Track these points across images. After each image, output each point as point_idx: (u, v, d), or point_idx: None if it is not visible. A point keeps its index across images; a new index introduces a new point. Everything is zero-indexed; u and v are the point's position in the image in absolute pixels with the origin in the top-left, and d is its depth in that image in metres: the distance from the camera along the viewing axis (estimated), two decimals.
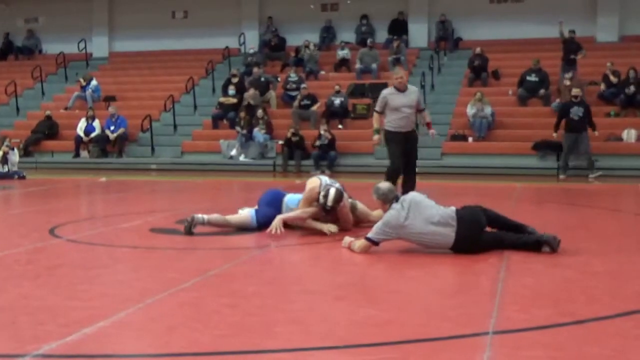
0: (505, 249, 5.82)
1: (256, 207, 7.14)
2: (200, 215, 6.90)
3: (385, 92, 9.04)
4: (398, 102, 8.78)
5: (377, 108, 9.04)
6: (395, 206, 5.85)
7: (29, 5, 25.35)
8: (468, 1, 21.82)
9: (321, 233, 6.71)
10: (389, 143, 8.94)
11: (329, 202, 6.66)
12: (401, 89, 8.87)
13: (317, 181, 6.88)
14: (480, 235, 5.89)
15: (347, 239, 6.10)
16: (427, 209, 5.83)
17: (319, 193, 6.74)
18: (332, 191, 6.69)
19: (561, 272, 5.18)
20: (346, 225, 6.94)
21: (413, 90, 9.04)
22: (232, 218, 7.04)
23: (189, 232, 6.80)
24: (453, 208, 5.92)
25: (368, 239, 5.89)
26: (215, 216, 7.00)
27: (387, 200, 5.97)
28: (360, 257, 5.97)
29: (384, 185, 6.12)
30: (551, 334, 3.71)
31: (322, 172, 14.87)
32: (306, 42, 21.37)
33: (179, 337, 3.62)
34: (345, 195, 6.91)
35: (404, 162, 8.85)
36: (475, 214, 5.95)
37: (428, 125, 9.43)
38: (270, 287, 4.83)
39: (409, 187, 8.60)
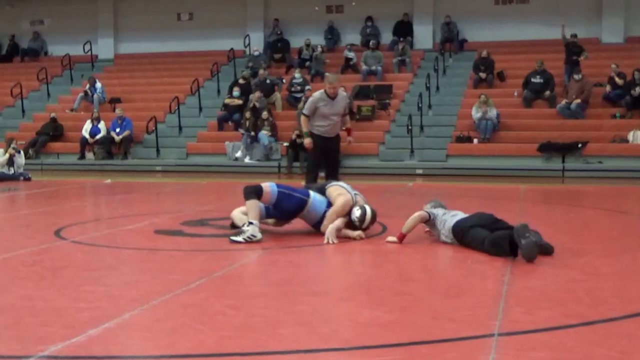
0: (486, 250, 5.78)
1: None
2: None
3: (316, 97, 9.02)
4: (327, 111, 8.89)
5: (306, 112, 9.06)
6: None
7: (34, 7, 25.44)
8: (473, 3, 21.83)
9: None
10: (313, 147, 9.12)
11: (365, 225, 6.65)
12: (332, 97, 8.92)
13: (348, 195, 6.73)
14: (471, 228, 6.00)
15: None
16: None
17: (352, 207, 6.67)
18: (369, 213, 6.63)
19: (566, 274, 5.17)
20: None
21: (342, 97, 9.12)
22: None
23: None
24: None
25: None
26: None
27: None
28: (365, 258, 5.98)
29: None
30: (557, 335, 3.69)
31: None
32: (307, 41, 21.41)
33: (183, 339, 3.62)
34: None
35: (325, 165, 9.15)
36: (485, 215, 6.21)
37: (348, 131, 9.53)
38: (274, 289, 4.83)
39: None
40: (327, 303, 4.43)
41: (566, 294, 4.59)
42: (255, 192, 6.54)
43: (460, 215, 6.31)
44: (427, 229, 6.64)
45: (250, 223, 6.41)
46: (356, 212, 6.64)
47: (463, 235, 6.03)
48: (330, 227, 6.52)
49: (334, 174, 9.19)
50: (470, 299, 4.49)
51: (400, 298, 4.52)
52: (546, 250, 5.72)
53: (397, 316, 4.06)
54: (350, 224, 6.67)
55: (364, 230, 6.68)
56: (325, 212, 6.73)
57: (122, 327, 3.83)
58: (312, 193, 6.84)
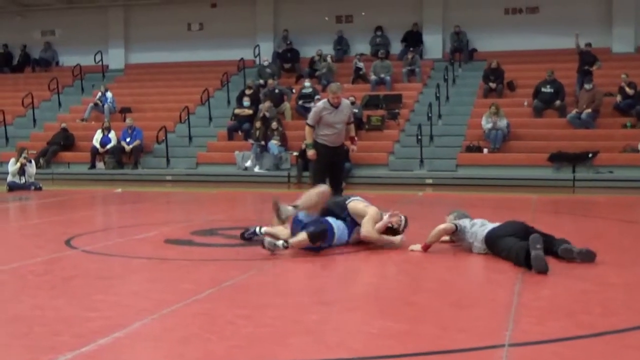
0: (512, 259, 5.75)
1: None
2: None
3: (320, 106, 9.06)
4: (332, 119, 8.91)
5: (310, 122, 9.07)
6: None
7: (45, 18, 25.62)
8: (483, 12, 21.82)
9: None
10: (316, 156, 9.08)
11: (402, 227, 6.76)
12: (336, 106, 8.95)
13: (374, 207, 6.79)
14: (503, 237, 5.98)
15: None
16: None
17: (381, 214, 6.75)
18: (404, 220, 6.77)
19: (577, 284, 5.14)
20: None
21: (346, 105, 9.16)
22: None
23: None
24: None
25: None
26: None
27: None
28: (376, 268, 5.97)
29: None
30: (568, 346, 3.67)
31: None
32: (319, 52, 21.46)
33: (193, 348, 3.62)
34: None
35: (329, 175, 8.99)
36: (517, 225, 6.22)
37: (351, 139, 9.51)
38: (284, 298, 4.82)
39: None
40: (337, 313, 4.42)
41: (577, 305, 4.56)
42: (320, 238, 6.48)
43: (488, 224, 6.30)
44: (448, 239, 6.62)
45: (286, 247, 6.34)
46: (394, 219, 6.75)
47: (494, 244, 6.03)
48: (378, 228, 6.63)
49: (337, 184, 9.16)
50: (480, 309, 4.47)
51: (410, 308, 4.51)
52: (587, 256, 5.81)
53: (407, 326, 4.04)
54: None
55: (400, 233, 6.76)
56: (349, 235, 6.76)
57: (132, 336, 3.84)
58: (336, 233, 6.64)
